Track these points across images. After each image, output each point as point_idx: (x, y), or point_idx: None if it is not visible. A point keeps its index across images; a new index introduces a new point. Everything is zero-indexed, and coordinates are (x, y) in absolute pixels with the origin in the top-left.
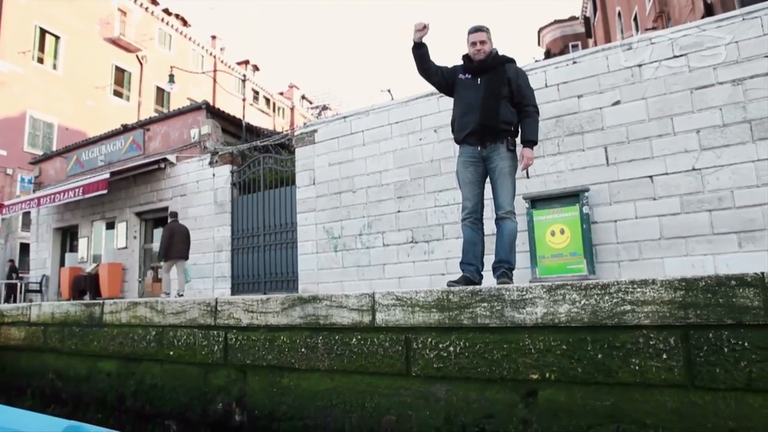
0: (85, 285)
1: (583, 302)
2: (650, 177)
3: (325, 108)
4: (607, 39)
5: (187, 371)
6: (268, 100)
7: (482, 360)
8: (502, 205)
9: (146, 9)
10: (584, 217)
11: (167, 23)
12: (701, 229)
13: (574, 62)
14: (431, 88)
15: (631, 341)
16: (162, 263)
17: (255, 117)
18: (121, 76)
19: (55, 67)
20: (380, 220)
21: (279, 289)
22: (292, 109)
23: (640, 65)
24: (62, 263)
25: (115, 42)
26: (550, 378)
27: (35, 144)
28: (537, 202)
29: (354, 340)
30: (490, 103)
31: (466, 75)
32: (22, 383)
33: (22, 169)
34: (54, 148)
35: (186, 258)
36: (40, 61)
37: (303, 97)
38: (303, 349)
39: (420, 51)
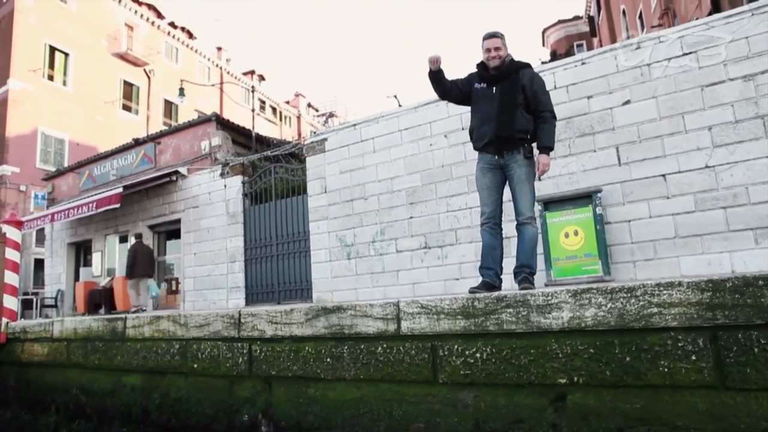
0: (100, 299)
1: (609, 306)
2: (663, 176)
3: (331, 115)
4: (612, 38)
5: (211, 383)
6: (274, 110)
7: (509, 365)
8: (522, 211)
9: (152, 23)
10: (598, 218)
11: (173, 36)
12: (716, 227)
13: (583, 63)
14: None
15: (659, 343)
16: (128, 280)
17: (262, 126)
18: (129, 90)
19: (65, 83)
20: (393, 227)
21: (293, 298)
22: (298, 118)
23: (649, 64)
24: (77, 278)
25: (122, 57)
26: (579, 382)
27: (47, 160)
28: (550, 204)
29: (380, 348)
30: (505, 113)
31: (482, 84)
32: (46, 398)
33: (35, 186)
34: (65, 164)
35: (150, 276)
36: (50, 78)
37: (309, 105)
38: (328, 359)
39: (437, 76)
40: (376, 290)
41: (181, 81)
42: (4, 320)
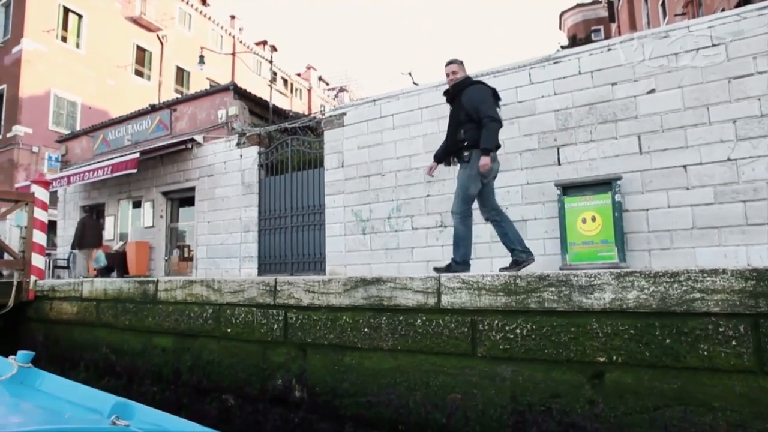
0: (113, 262)
1: (651, 289)
2: (684, 166)
3: (342, 90)
4: (632, 24)
5: (245, 348)
6: (285, 81)
7: (549, 342)
8: (452, 207)
9: None
10: (616, 205)
11: (187, 2)
12: (735, 220)
13: (609, 49)
14: None
15: (699, 327)
16: (77, 251)
17: (273, 98)
18: (142, 55)
19: (78, 45)
20: (409, 204)
21: (306, 270)
22: (309, 91)
23: (676, 54)
24: None
25: (136, 21)
26: (617, 361)
27: (59, 122)
28: (568, 189)
29: (419, 321)
30: (451, 131)
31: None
32: (75, 356)
33: (47, 147)
34: (78, 127)
35: (96, 247)
36: (64, 39)
37: (320, 79)
38: (366, 329)
39: (443, 159)
40: (390, 266)
41: (201, 48)
42: (33, 278)
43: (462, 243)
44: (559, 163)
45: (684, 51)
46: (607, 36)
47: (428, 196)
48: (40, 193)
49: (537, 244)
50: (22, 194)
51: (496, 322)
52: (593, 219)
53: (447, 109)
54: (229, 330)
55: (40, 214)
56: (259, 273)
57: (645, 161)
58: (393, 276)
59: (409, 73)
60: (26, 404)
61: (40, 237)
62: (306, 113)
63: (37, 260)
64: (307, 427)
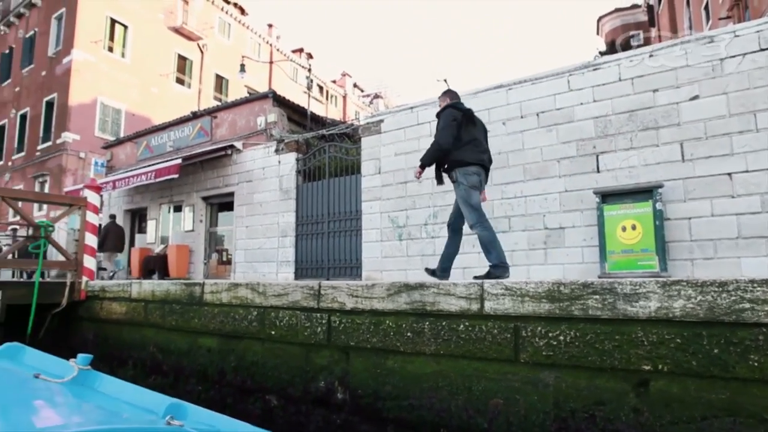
0: (154, 265)
1: (699, 298)
2: (729, 174)
3: (377, 96)
4: (673, 28)
5: (288, 350)
6: (321, 88)
7: (593, 350)
8: (467, 222)
9: None
10: (657, 214)
11: (226, 12)
12: None
13: (651, 55)
14: (500, 80)
15: (750, 338)
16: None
17: (310, 105)
18: (183, 63)
19: (123, 55)
20: (446, 211)
21: (342, 275)
22: (344, 98)
23: (721, 59)
24: (132, 243)
25: (178, 31)
26: (663, 370)
27: (105, 129)
28: (608, 197)
29: (461, 326)
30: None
31: None
32: (123, 354)
33: (93, 153)
34: (122, 133)
35: (118, 251)
36: (110, 49)
37: (355, 86)
38: (409, 334)
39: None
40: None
41: (242, 57)
42: (84, 278)
43: (491, 247)
44: (598, 171)
45: (730, 56)
46: (647, 41)
47: None
48: (93, 198)
49: (575, 252)
50: (76, 198)
51: (539, 328)
52: (633, 227)
53: (484, 116)
54: (273, 332)
55: (92, 218)
56: (296, 277)
57: (687, 169)
58: (436, 281)
59: (445, 80)
60: (86, 405)
61: (91, 239)
62: (341, 120)
63: (89, 262)
64: (349, 428)
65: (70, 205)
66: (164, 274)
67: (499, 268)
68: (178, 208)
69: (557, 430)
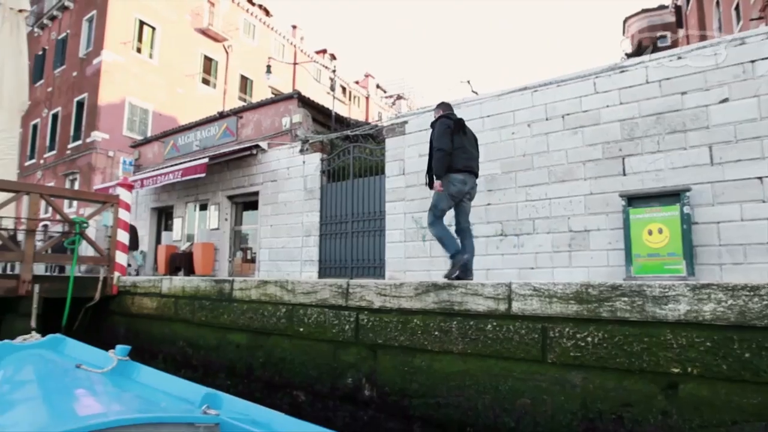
0: (180, 262)
1: (729, 302)
2: (759, 178)
3: (399, 97)
4: (701, 29)
5: (316, 347)
6: (344, 89)
7: (621, 351)
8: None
9: (232, 0)
10: (685, 217)
11: (251, 13)
12: None
13: (679, 57)
14: (524, 83)
15: None
16: None
17: (332, 105)
18: (209, 64)
19: (151, 56)
20: (471, 212)
21: (365, 275)
22: (367, 98)
23: (752, 61)
24: (158, 241)
25: (204, 32)
26: (693, 373)
27: (133, 128)
28: (634, 200)
29: (489, 326)
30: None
31: None
32: (154, 348)
33: (121, 152)
34: (149, 133)
35: (133, 249)
36: (139, 50)
37: (378, 86)
38: (436, 333)
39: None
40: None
41: (268, 59)
42: (116, 274)
43: (446, 241)
44: (625, 174)
45: (761, 58)
46: (674, 42)
47: (488, 204)
48: (125, 195)
49: (600, 256)
50: (109, 196)
51: (567, 329)
52: (660, 231)
53: (509, 117)
54: (301, 329)
55: (124, 215)
56: (320, 276)
57: (716, 172)
58: (464, 281)
59: (468, 81)
60: (125, 394)
61: (123, 236)
62: (364, 121)
63: (120, 258)
64: (376, 425)
65: (104, 202)
66: (190, 271)
67: (456, 257)
68: (203, 207)
69: (585, 430)
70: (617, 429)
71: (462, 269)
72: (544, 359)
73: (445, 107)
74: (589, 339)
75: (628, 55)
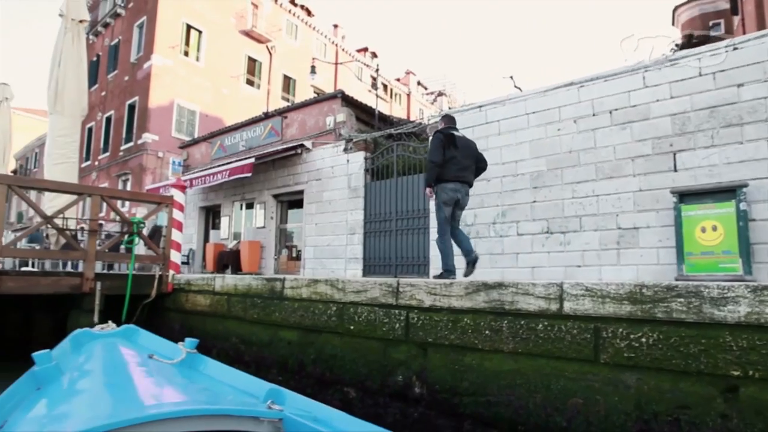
0: (228, 260)
1: None
2: None
3: (440, 94)
4: (759, 17)
5: (366, 345)
6: (385, 87)
7: (677, 353)
8: None
9: (275, 1)
10: (741, 214)
11: (293, 14)
12: None
13: (735, 48)
14: (570, 78)
15: None
16: None
17: (374, 103)
18: (252, 65)
19: (197, 59)
20: (515, 210)
21: (410, 273)
22: (408, 95)
23: None
24: (206, 239)
25: (248, 34)
26: (754, 376)
27: (181, 129)
28: (686, 196)
29: (540, 325)
30: None
31: None
32: (207, 344)
33: (170, 153)
34: (196, 134)
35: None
36: (186, 54)
37: (419, 83)
38: (487, 332)
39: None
40: (494, 271)
41: (312, 59)
42: (171, 272)
43: (444, 256)
44: (676, 170)
45: None
46: (728, 31)
47: (534, 202)
48: (178, 196)
49: (650, 254)
50: (164, 197)
51: (620, 330)
52: (714, 228)
53: (555, 114)
54: (351, 327)
55: (178, 215)
56: (364, 274)
57: None
58: (515, 281)
59: (511, 77)
60: (194, 385)
61: (177, 235)
62: (406, 118)
63: (175, 256)
64: (426, 422)
65: (159, 203)
66: (237, 268)
67: (445, 273)
68: (249, 206)
69: (639, 431)
70: (673, 431)
71: (471, 266)
72: (597, 359)
73: (447, 120)
74: (644, 340)
75: (678, 46)
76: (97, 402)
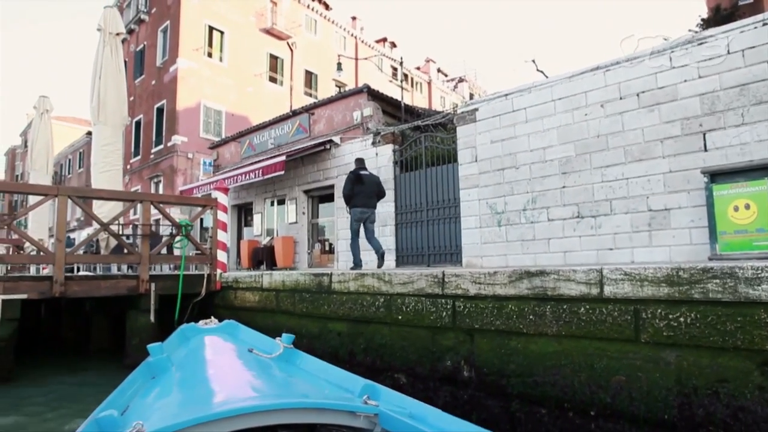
0: (262, 256)
1: None
2: None
3: (461, 80)
4: None
5: (415, 333)
6: (406, 76)
7: (714, 330)
8: None
9: None
10: None
11: (312, 9)
12: None
13: (764, 24)
14: (596, 62)
15: None
16: None
17: (396, 93)
18: (274, 62)
19: (221, 59)
20: (545, 196)
21: (442, 262)
22: (429, 84)
23: None
24: (239, 236)
25: (268, 32)
26: None
27: (208, 130)
28: (717, 176)
29: (582, 309)
30: None
31: None
32: None
33: (200, 153)
34: (223, 133)
35: None
36: (210, 55)
37: (439, 71)
38: (531, 317)
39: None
40: (526, 257)
41: (338, 56)
42: (219, 271)
43: (355, 255)
44: (706, 150)
45: None
46: (758, 4)
47: (564, 187)
48: (221, 198)
49: (682, 234)
50: (209, 200)
51: (659, 310)
52: (747, 207)
53: (581, 99)
54: (399, 317)
55: (222, 216)
56: (397, 265)
57: None
58: (556, 269)
59: (533, 61)
60: (291, 379)
61: (222, 235)
62: (428, 107)
63: (221, 255)
64: (475, 403)
65: (204, 206)
66: (271, 264)
67: (354, 266)
68: (281, 202)
69: (680, 405)
70: (713, 403)
71: (380, 259)
72: (638, 339)
73: (358, 162)
74: (682, 319)
75: (704, 21)
76: (206, 392)
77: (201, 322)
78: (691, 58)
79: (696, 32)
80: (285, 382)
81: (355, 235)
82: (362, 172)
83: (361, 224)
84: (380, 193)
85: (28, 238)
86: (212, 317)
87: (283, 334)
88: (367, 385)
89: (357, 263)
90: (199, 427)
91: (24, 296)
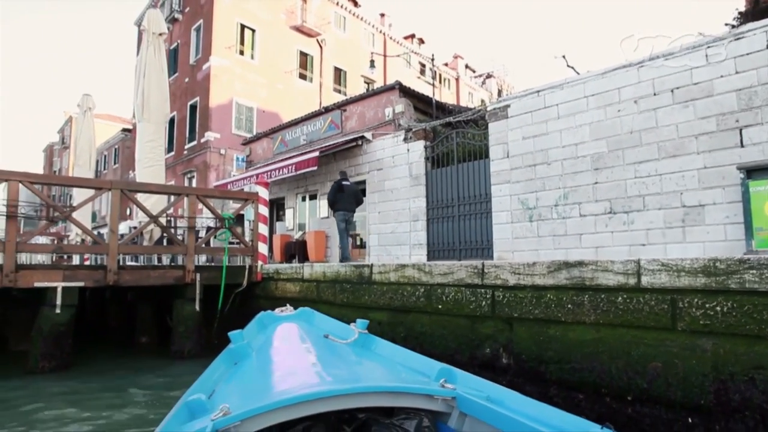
0: (295, 250)
1: None
2: None
3: (489, 76)
4: None
5: (454, 322)
6: (434, 72)
7: (750, 319)
8: None
9: None
10: None
11: (341, 6)
12: None
13: None
14: (629, 59)
15: None
16: None
17: (424, 89)
18: (304, 59)
19: (252, 57)
20: (576, 191)
21: (473, 256)
22: (457, 80)
23: None
24: (271, 230)
25: (298, 29)
26: None
27: (240, 126)
28: (754, 172)
29: (619, 298)
30: None
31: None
32: None
33: (232, 149)
34: (255, 130)
35: None
36: (241, 53)
37: (467, 67)
38: (569, 306)
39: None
40: (558, 252)
41: (371, 54)
42: (259, 262)
43: (342, 249)
44: (742, 145)
45: None
46: None
47: (596, 183)
48: (262, 192)
49: (717, 230)
50: (250, 194)
51: (695, 300)
52: None
53: (614, 95)
54: (439, 306)
55: (263, 210)
56: (428, 259)
57: None
58: (594, 260)
59: (563, 57)
60: (368, 363)
61: (263, 229)
62: (456, 104)
63: (262, 248)
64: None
65: (246, 200)
66: (304, 258)
67: (343, 260)
68: (312, 197)
69: (716, 390)
70: (749, 389)
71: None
72: (674, 327)
73: (341, 174)
74: (718, 308)
75: (741, 14)
76: (285, 376)
77: (277, 310)
78: (728, 53)
79: (733, 26)
80: (362, 367)
81: (342, 233)
82: (344, 183)
83: (345, 224)
84: (358, 201)
85: (85, 229)
86: (287, 305)
87: (358, 320)
88: (443, 369)
89: (345, 257)
90: (280, 411)
91: (81, 284)
